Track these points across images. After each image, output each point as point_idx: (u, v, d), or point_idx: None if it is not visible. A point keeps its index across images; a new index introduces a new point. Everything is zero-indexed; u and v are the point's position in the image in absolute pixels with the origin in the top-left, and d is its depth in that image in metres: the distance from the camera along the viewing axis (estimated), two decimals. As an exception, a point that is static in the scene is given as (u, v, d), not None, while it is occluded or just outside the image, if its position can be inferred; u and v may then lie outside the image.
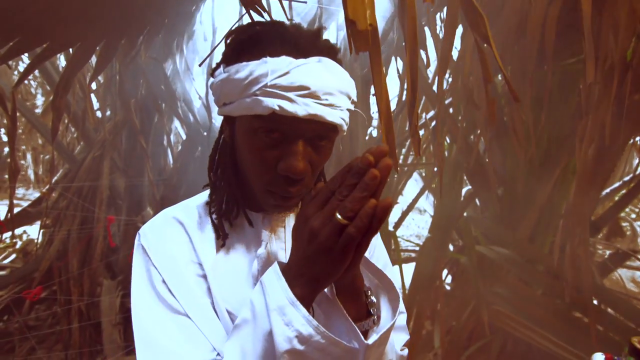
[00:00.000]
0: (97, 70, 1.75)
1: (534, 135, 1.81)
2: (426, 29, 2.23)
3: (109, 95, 2.67)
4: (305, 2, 1.69)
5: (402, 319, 0.70)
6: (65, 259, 2.41)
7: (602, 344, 1.39)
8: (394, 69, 2.53)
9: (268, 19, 0.91)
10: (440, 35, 2.32)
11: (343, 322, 0.51)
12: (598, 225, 2.29)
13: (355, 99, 0.59)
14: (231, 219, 0.63)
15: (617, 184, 2.92)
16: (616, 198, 2.67)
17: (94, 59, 1.89)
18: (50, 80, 2.80)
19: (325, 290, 0.53)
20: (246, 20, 1.06)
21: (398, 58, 2.48)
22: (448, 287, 2.84)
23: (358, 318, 0.52)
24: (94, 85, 3.11)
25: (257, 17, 0.89)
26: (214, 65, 0.62)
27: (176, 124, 3.16)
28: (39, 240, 2.96)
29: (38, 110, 5.67)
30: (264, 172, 0.55)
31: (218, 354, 0.54)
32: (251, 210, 0.64)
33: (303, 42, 0.54)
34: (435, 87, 2.37)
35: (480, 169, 2.19)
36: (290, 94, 0.50)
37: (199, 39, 2.45)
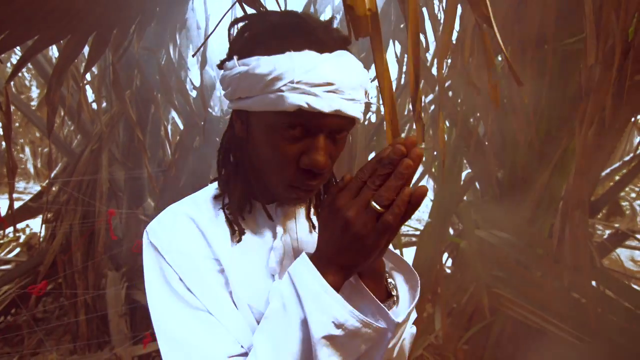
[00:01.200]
0: (90, 62, 1.72)
1: (533, 117, 1.80)
2: (424, 9, 2.18)
3: (104, 87, 2.64)
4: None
5: None
6: (68, 253, 2.43)
7: (601, 325, 1.41)
8: (392, 51, 2.49)
9: (261, 8, 0.90)
10: (439, 16, 2.27)
11: (369, 305, 0.53)
12: (598, 206, 2.29)
13: (369, 90, 0.59)
14: (245, 214, 0.63)
15: (617, 164, 2.91)
16: (617, 177, 2.66)
17: (86, 50, 1.86)
18: (43, 73, 2.76)
19: None
20: (238, 8, 1.04)
21: (396, 41, 2.44)
22: (448, 271, 2.87)
23: (379, 300, 0.55)
24: (88, 77, 3.07)
25: (248, 9, 0.87)
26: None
27: (173, 114, 3.13)
28: (42, 234, 2.98)
29: (34, 103, 5.62)
30: (285, 167, 0.55)
31: (242, 347, 0.55)
32: (263, 202, 0.64)
33: (322, 34, 0.53)
34: (434, 70, 2.34)
35: (480, 152, 2.18)
36: (317, 90, 0.50)
37: (191, 27, 2.40)
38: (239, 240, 0.61)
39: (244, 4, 0.89)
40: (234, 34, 0.59)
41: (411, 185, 0.47)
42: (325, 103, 0.50)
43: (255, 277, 0.61)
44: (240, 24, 0.59)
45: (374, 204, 0.45)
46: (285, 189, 0.57)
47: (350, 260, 0.48)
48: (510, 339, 1.93)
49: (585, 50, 1.03)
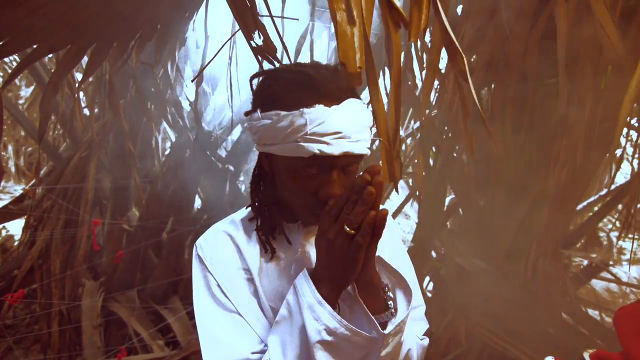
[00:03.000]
0: (87, 74, 1.74)
1: (513, 151, 1.87)
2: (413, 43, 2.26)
3: (98, 94, 2.64)
4: (297, 20, 1.73)
5: (421, 310, 0.80)
6: (48, 261, 2.38)
7: (570, 357, 1.45)
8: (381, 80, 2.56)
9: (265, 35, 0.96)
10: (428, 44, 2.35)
11: (363, 315, 0.62)
12: (575, 237, 2.38)
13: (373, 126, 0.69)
14: (275, 235, 0.74)
15: (594, 197, 3.02)
16: (595, 208, 2.76)
17: (84, 60, 1.87)
18: (36, 76, 2.75)
19: (349, 288, 0.64)
20: (239, 36, 1.09)
21: (386, 69, 2.52)
22: (429, 294, 2.90)
23: (377, 311, 0.62)
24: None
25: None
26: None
27: (165, 125, 3.14)
28: (20, 237, 2.89)
29: (21, 102, 5.53)
30: (306, 198, 0.65)
31: (265, 345, 0.64)
32: (288, 222, 0.75)
33: (331, 86, 0.62)
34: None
35: (464, 179, 2.25)
36: (327, 138, 0.59)
37: (191, 46, 2.45)
38: (271, 258, 0.72)
39: (251, 42, 0.94)
40: (255, 87, 0.69)
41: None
42: (335, 148, 0.59)
43: (280, 285, 0.71)
44: (260, 79, 0.69)
45: (346, 227, 0.53)
46: (307, 215, 0.68)
47: (337, 275, 0.57)
48: (486, 366, 1.96)
49: (559, 98, 1.11)
